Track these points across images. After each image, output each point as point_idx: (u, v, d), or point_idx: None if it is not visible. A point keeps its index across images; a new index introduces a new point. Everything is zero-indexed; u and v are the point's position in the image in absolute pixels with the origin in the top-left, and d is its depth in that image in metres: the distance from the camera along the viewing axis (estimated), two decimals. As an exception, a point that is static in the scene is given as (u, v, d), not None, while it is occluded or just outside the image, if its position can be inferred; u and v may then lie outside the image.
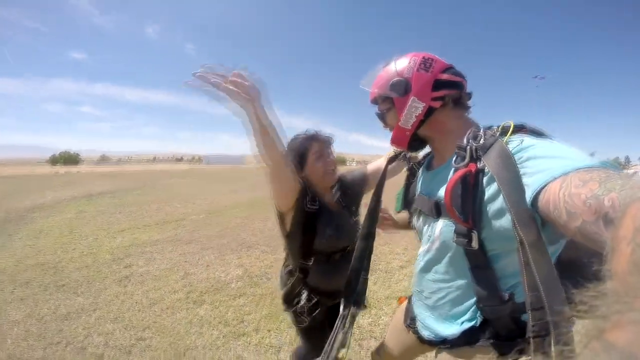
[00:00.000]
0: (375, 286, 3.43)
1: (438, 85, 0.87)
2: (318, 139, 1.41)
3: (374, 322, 2.68)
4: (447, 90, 0.88)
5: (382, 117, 1.01)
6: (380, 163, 1.53)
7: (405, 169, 1.18)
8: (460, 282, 0.85)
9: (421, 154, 1.13)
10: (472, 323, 0.84)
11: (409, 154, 1.17)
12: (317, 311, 1.40)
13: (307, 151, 1.37)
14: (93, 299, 3.17)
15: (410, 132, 0.93)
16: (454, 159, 0.80)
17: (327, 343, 1.09)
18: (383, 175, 1.25)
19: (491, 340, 0.81)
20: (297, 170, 1.34)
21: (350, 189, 1.52)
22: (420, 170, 1.09)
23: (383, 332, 2.47)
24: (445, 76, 0.88)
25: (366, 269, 1.21)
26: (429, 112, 0.89)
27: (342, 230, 1.39)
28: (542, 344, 0.60)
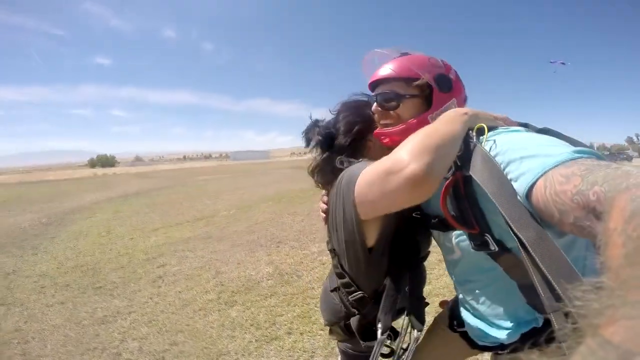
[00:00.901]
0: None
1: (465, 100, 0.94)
2: (370, 105, 0.99)
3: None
4: None
5: (398, 97, 0.88)
6: None
7: None
8: (501, 284, 0.80)
9: None
10: (533, 324, 0.78)
11: None
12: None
13: (370, 118, 0.98)
14: (128, 301, 3.21)
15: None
16: None
17: None
18: None
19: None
20: (358, 140, 0.99)
21: None
22: None
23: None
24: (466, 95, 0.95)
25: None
26: None
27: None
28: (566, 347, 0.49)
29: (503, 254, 0.73)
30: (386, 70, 0.90)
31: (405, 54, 0.92)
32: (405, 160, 0.66)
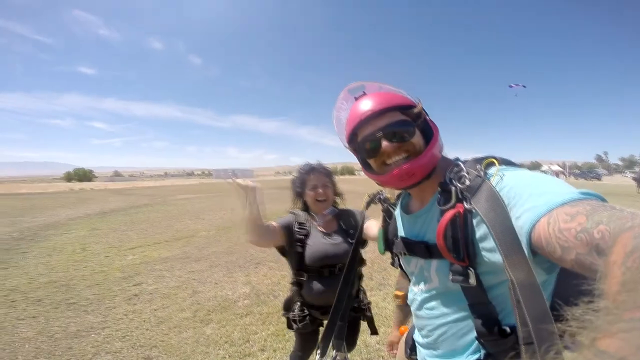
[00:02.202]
0: (384, 302, 3.40)
1: None
2: (314, 171, 1.72)
3: (382, 341, 2.64)
4: None
5: (411, 126, 0.83)
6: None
7: (381, 209, 1.13)
8: (460, 317, 0.84)
9: (395, 193, 1.10)
10: (476, 357, 0.82)
11: (384, 195, 1.14)
12: (305, 321, 1.67)
13: (305, 182, 1.71)
14: (102, 317, 3.21)
15: (436, 161, 0.84)
16: (437, 200, 0.80)
17: None
18: (362, 223, 1.33)
19: None
20: (299, 194, 1.75)
21: (352, 217, 1.76)
22: (397, 213, 1.05)
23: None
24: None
25: (343, 317, 1.29)
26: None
27: (327, 251, 1.62)
28: None
29: (476, 290, 0.75)
30: (379, 101, 0.83)
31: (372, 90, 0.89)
32: None
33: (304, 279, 1.65)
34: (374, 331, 1.79)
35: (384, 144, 0.81)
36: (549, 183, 0.64)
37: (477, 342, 0.81)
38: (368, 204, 1.23)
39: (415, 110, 0.83)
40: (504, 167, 0.75)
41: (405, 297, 1.31)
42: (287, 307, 1.76)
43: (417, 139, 0.82)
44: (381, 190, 1.11)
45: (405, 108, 0.83)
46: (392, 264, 1.12)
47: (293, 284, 1.72)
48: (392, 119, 0.82)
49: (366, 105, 0.83)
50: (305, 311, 1.69)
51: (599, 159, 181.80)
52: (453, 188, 0.76)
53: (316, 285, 1.64)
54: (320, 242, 1.64)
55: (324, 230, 1.69)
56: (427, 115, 0.85)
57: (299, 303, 1.71)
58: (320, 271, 1.63)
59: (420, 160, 0.80)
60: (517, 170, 0.73)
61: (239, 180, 1.47)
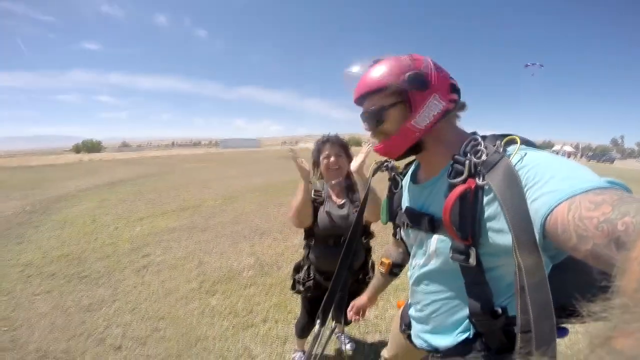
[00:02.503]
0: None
1: (452, 88, 0.83)
2: (329, 142, 1.79)
3: (380, 316, 2.72)
4: (457, 96, 0.84)
5: (378, 114, 0.84)
6: None
7: (387, 179, 1.14)
8: (454, 295, 0.85)
9: (402, 162, 1.06)
10: (466, 335, 0.85)
11: (392, 164, 1.10)
12: (308, 282, 1.79)
13: (320, 151, 1.79)
14: (113, 290, 3.35)
15: (421, 134, 0.82)
16: (448, 172, 0.77)
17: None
18: (367, 191, 1.23)
19: (483, 353, 0.81)
20: (315, 163, 1.82)
21: (353, 191, 1.79)
22: (405, 182, 1.04)
23: (389, 325, 2.50)
24: (454, 81, 0.84)
25: (344, 288, 1.26)
26: (444, 114, 0.82)
27: (334, 221, 1.69)
28: None
29: (474, 271, 0.75)
30: (359, 89, 0.87)
31: (377, 60, 0.86)
32: None
33: (312, 243, 1.77)
34: None
35: (365, 126, 0.91)
36: (573, 168, 0.61)
37: (467, 320, 0.83)
38: (375, 172, 1.20)
39: (388, 92, 0.82)
40: (524, 146, 0.71)
41: (390, 265, 1.29)
42: (297, 269, 1.89)
43: (391, 123, 0.84)
44: (389, 159, 1.06)
45: (382, 90, 0.83)
46: (394, 235, 1.13)
47: (304, 247, 1.86)
48: (368, 105, 0.87)
49: (355, 89, 0.89)
50: (311, 275, 1.79)
51: (615, 142, 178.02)
52: (467, 161, 0.73)
53: (322, 251, 1.75)
54: (329, 212, 1.72)
55: (336, 201, 1.76)
56: (418, 87, 0.80)
57: (306, 267, 1.82)
58: (326, 239, 1.73)
59: (392, 141, 0.85)
60: (539, 152, 0.70)
61: (299, 161, 1.59)
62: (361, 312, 1.46)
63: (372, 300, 1.44)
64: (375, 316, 2.69)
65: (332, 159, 1.74)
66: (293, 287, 1.88)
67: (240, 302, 3.02)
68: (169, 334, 2.54)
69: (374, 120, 0.86)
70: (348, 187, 1.79)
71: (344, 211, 1.72)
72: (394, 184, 1.10)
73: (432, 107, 0.80)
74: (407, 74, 0.79)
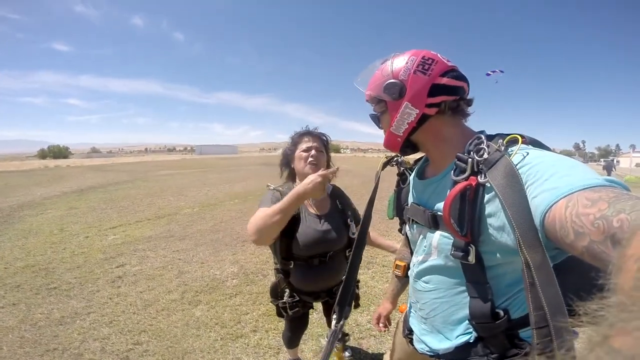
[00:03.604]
0: (373, 281, 3.42)
1: (435, 90, 0.80)
2: (310, 134, 1.56)
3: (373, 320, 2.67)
4: (445, 97, 0.81)
5: (376, 119, 0.95)
6: None
7: (396, 173, 1.13)
8: (454, 294, 0.84)
9: (412, 158, 1.08)
10: (467, 338, 0.83)
11: (401, 159, 1.11)
12: (296, 309, 1.59)
13: (297, 144, 1.53)
14: (86, 302, 3.12)
15: (402, 139, 0.87)
16: (452, 170, 0.78)
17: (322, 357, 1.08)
18: (377, 182, 1.21)
19: (485, 358, 0.80)
20: (287, 162, 1.58)
21: (345, 197, 1.65)
22: (412, 177, 1.04)
23: (383, 331, 2.47)
24: (444, 80, 0.80)
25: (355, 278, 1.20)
26: (423, 119, 0.82)
27: (318, 238, 1.47)
28: None
29: (475, 268, 0.75)
30: (367, 93, 0.93)
31: (385, 60, 0.89)
32: None
33: (291, 267, 1.50)
34: (356, 304, 1.80)
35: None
36: (573, 167, 0.62)
37: (467, 322, 0.82)
38: (384, 165, 1.18)
39: (369, 101, 0.93)
40: (526, 146, 0.73)
41: (405, 268, 1.25)
42: (275, 293, 1.62)
43: (383, 126, 0.93)
44: (398, 154, 1.08)
45: (371, 100, 0.93)
46: (400, 230, 1.14)
47: (278, 270, 1.57)
48: (371, 109, 0.96)
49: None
50: (296, 297, 1.58)
51: (577, 147, 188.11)
52: (470, 160, 0.74)
53: (305, 274, 1.51)
54: (311, 228, 1.46)
55: (316, 213, 1.51)
56: (394, 97, 0.84)
57: (287, 290, 1.58)
58: (310, 260, 1.48)
59: (385, 141, 0.93)
60: (542, 151, 0.71)
61: (323, 173, 1.27)
62: (382, 318, 1.42)
63: (394, 305, 1.40)
64: (368, 321, 2.64)
65: (312, 152, 1.48)
66: (279, 314, 1.64)
67: (226, 312, 2.89)
68: (152, 348, 2.38)
69: (375, 122, 0.97)
70: (332, 194, 1.61)
71: (330, 223, 1.51)
72: (403, 179, 1.10)
73: (405, 115, 0.83)
74: (383, 84, 0.84)
